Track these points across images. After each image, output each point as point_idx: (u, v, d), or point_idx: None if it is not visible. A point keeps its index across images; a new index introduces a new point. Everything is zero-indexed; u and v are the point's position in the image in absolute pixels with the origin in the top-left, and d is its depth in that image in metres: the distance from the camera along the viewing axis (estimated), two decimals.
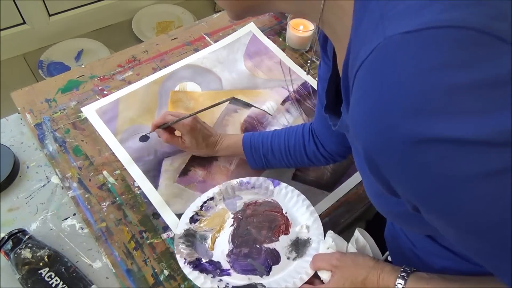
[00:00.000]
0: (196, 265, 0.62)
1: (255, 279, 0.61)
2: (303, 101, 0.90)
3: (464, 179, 0.28)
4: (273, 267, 0.62)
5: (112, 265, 0.65)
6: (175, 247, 0.64)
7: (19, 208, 0.70)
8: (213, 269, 0.63)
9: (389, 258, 0.60)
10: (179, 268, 0.66)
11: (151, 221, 0.70)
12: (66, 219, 0.70)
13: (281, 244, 0.65)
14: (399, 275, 0.49)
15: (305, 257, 0.62)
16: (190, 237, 0.66)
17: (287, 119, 0.86)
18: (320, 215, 0.74)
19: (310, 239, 0.64)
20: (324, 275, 0.57)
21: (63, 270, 0.61)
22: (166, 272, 0.65)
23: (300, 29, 0.96)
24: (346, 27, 0.35)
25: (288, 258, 0.63)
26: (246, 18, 1.03)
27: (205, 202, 0.69)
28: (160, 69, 0.92)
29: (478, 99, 0.26)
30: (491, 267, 0.35)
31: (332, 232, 0.60)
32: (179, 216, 0.71)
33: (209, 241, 0.66)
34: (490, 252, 0.33)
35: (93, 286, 0.62)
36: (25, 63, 1.69)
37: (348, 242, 0.59)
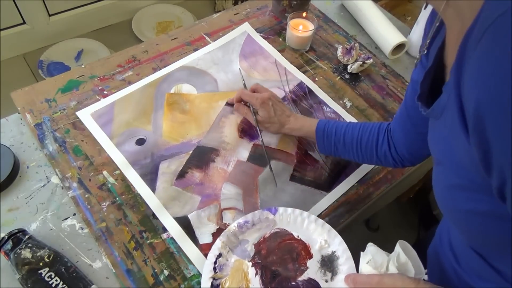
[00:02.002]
0: None
1: None
2: (299, 101, 0.90)
3: None
4: None
5: (112, 265, 0.65)
6: None
7: (19, 208, 0.70)
8: None
9: (426, 277, 0.59)
10: (179, 268, 0.66)
11: (151, 221, 0.70)
12: (66, 219, 0.70)
13: (313, 270, 0.63)
14: None
15: (339, 274, 0.61)
16: None
17: None
18: (319, 215, 0.74)
19: (334, 252, 0.63)
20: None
21: (63, 270, 0.61)
22: (166, 272, 0.65)
23: (300, 29, 0.96)
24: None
25: (326, 281, 0.62)
26: (243, 19, 1.04)
27: (215, 263, 0.64)
28: (160, 69, 0.91)
29: None
30: None
31: (373, 244, 0.58)
32: (177, 219, 0.70)
33: None
34: None
35: (93, 286, 0.62)
36: (25, 63, 1.68)
37: (388, 258, 0.57)
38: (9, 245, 0.62)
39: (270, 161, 0.79)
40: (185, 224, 0.70)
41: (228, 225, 0.69)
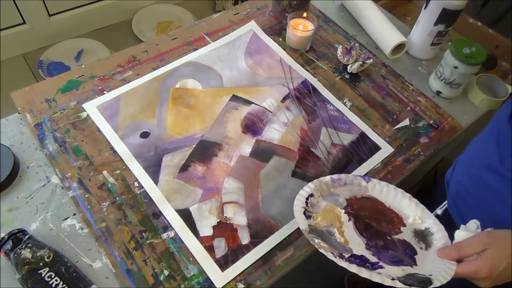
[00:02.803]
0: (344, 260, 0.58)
1: (408, 270, 0.58)
2: (303, 99, 0.90)
3: None
4: (415, 257, 0.60)
5: (112, 265, 0.65)
6: (311, 242, 0.58)
7: (19, 208, 0.70)
8: (361, 263, 0.58)
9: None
10: (179, 268, 0.66)
11: (151, 221, 0.70)
12: (66, 219, 0.70)
13: (407, 235, 0.63)
14: None
15: (433, 247, 0.61)
16: (317, 232, 0.61)
17: (287, 117, 0.87)
18: None
19: (428, 228, 0.63)
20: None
21: (63, 270, 0.61)
22: (166, 272, 0.65)
23: (300, 29, 0.96)
24: None
25: (421, 248, 0.61)
26: (243, 19, 1.04)
27: (307, 199, 0.65)
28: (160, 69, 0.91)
29: None
30: None
31: (475, 220, 0.58)
32: (179, 211, 0.71)
33: (337, 235, 0.62)
34: None
35: (93, 286, 0.62)
36: (25, 63, 1.68)
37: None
38: (9, 245, 0.62)
39: (272, 157, 0.79)
40: (187, 216, 0.71)
41: (229, 219, 0.71)
